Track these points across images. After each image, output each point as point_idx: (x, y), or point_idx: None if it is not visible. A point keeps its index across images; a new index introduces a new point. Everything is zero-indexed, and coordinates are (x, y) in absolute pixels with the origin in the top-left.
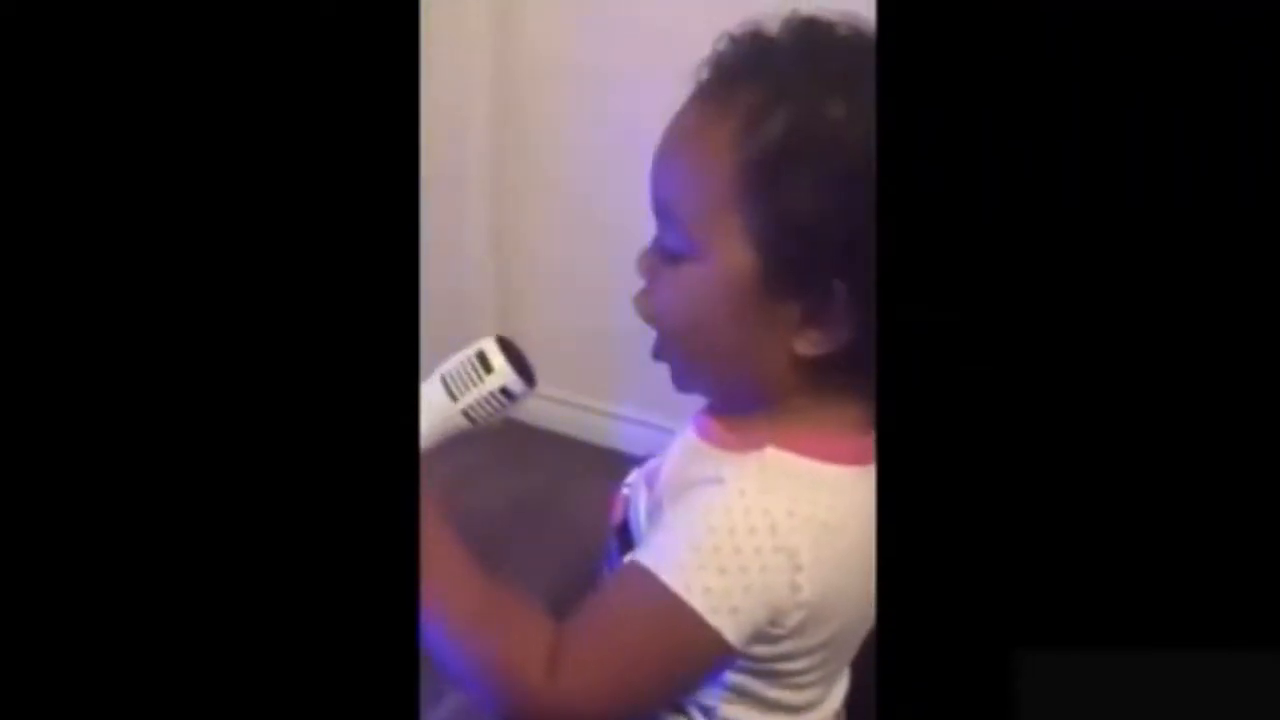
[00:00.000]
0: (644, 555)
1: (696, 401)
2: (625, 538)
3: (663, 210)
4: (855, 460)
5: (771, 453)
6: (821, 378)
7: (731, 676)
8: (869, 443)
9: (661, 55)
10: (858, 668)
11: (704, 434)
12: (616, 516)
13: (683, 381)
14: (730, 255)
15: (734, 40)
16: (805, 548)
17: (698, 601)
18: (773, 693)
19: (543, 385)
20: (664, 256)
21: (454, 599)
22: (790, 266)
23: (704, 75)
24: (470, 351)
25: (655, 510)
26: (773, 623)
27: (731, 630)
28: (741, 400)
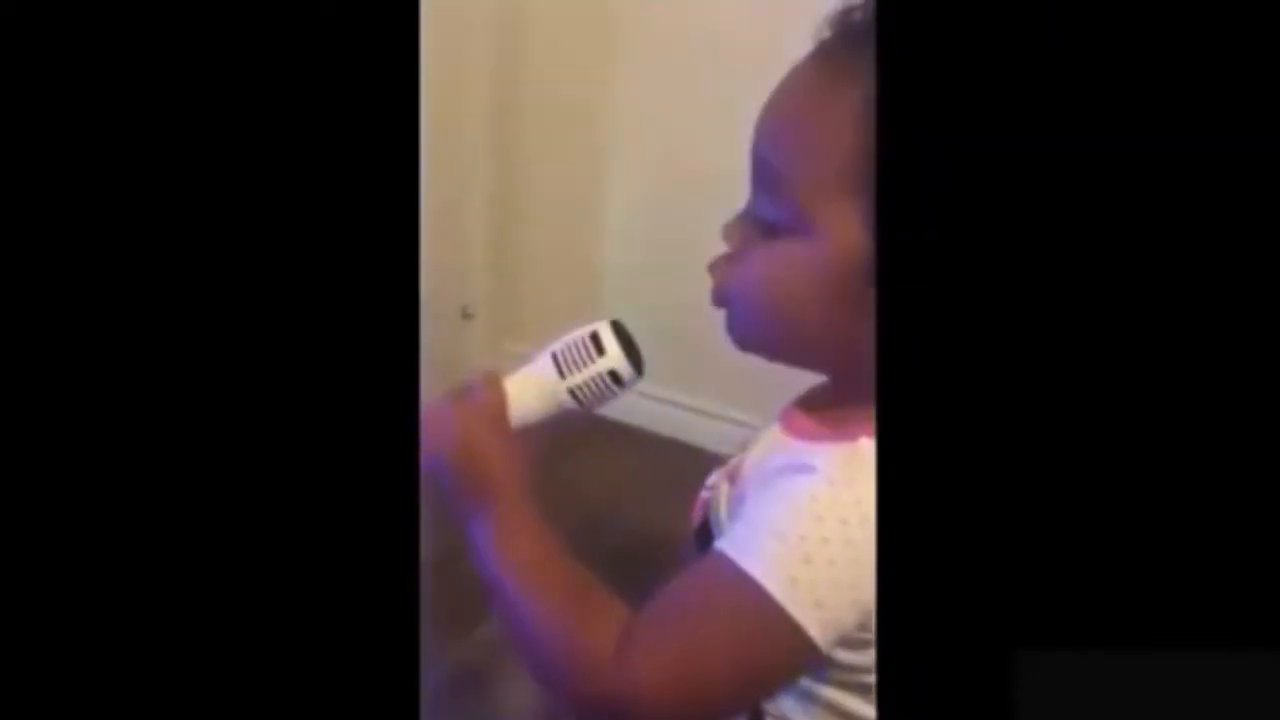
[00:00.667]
0: (725, 543)
1: (780, 399)
2: (705, 541)
3: (768, 177)
4: None
5: (866, 443)
6: None
7: (820, 689)
8: None
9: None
10: None
11: (792, 428)
12: (697, 519)
13: (746, 342)
14: (841, 235)
15: (856, 5)
16: None
17: (779, 591)
18: (867, 709)
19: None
20: (761, 227)
21: (532, 575)
22: None
23: (827, 33)
24: (584, 332)
25: (738, 503)
26: (862, 625)
27: (815, 625)
28: (841, 387)
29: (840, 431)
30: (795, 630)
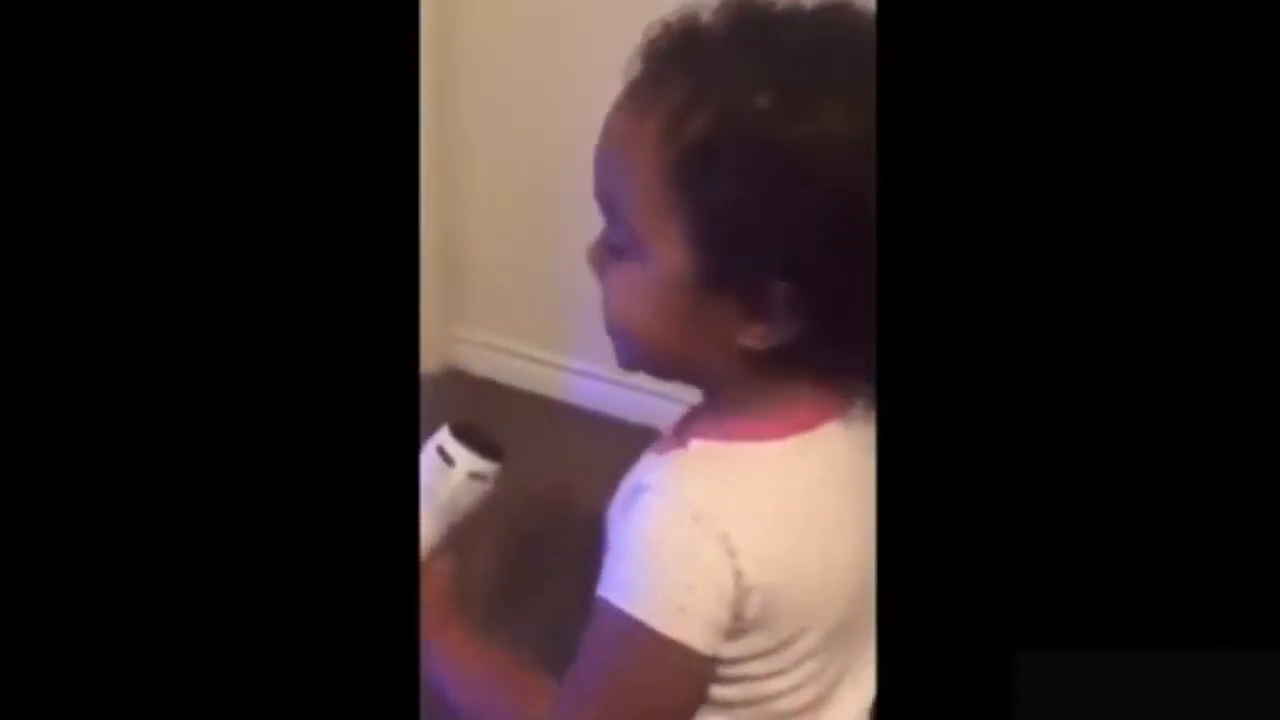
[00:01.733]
0: (601, 586)
1: None
2: None
3: (605, 205)
4: (793, 431)
5: (695, 445)
6: (769, 367)
7: (718, 689)
8: (812, 412)
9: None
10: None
11: (656, 446)
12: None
13: (626, 364)
14: (666, 253)
15: (666, 28)
16: (735, 529)
17: (644, 613)
18: (767, 697)
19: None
20: (611, 250)
21: (460, 675)
22: (726, 264)
23: (636, 68)
24: (430, 449)
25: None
26: (734, 616)
27: (689, 633)
28: (703, 395)
29: (679, 440)
30: (675, 645)
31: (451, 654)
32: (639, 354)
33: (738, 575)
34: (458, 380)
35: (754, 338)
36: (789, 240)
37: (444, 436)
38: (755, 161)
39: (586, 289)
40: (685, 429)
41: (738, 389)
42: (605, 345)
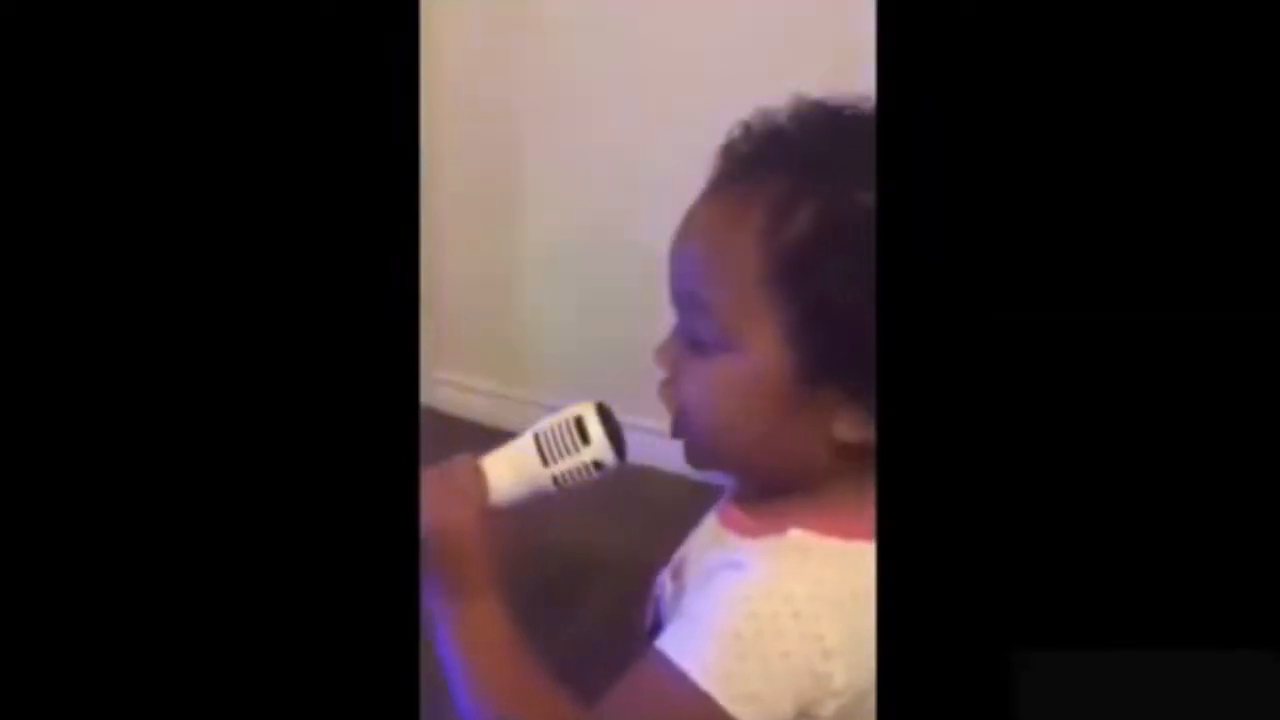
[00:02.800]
0: (665, 641)
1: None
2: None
3: (688, 301)
4: None
5: (795, 534)
6: (863, 460)
7: None
8: None
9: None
10: None
11: (728, 522)
12: (648, 619)
13: (702, 463)
14: (765, 347)
15: (746, 130)
16: (833, 631)
17: (715, 688)
18: None
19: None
20: (691, 346)
21: (488, 672)
22: (827, 356)
23: (719, 165)
24: (569, 416)
25: (677, 599)
26: (804, 713)
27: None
28: (775, 485)
29: (771, 525)
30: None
31: (477, 637)
32: (723, 450)
33: (823, 678)
34: (437, 420)
35: (849, 428)
36: None
37: (588, 412)
38: (858, 255)
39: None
40: (770, 515)
41: (832, 483)
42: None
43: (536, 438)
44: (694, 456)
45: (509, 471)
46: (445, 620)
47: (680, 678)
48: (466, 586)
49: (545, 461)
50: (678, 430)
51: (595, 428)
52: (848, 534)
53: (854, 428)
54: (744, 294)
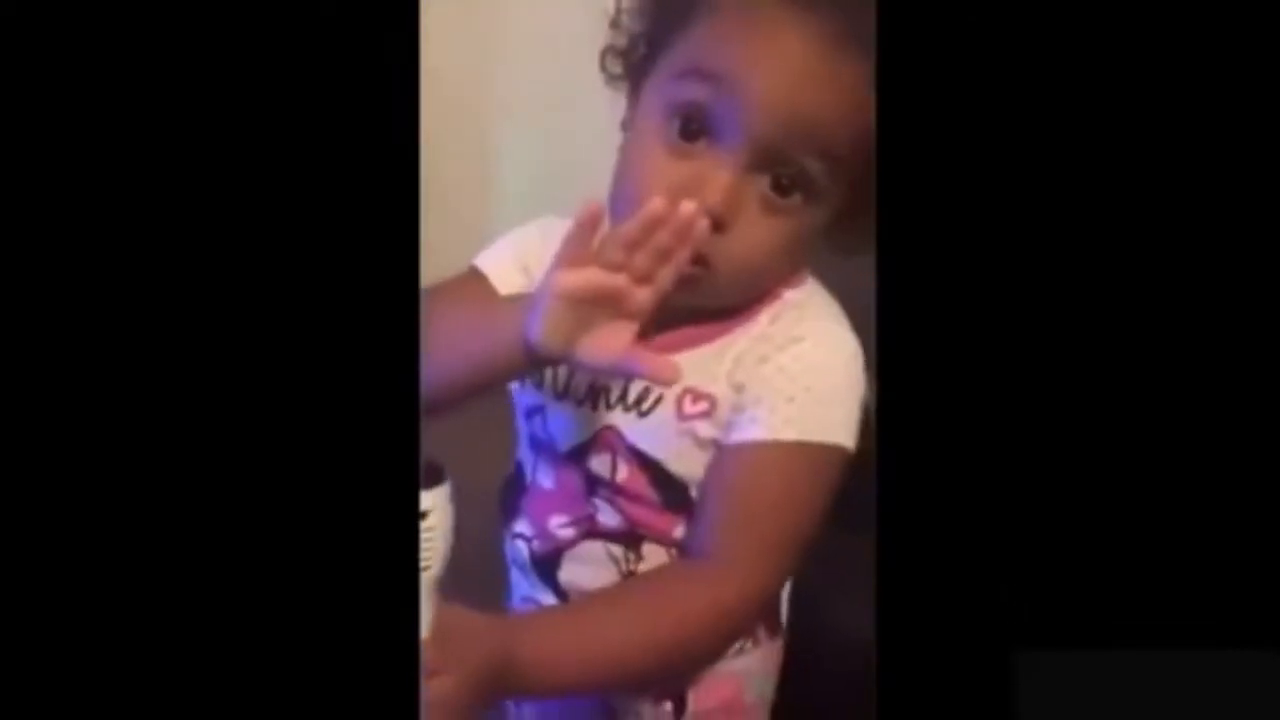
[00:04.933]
0: (768, 430)
1: None
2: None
3: (800, 138)
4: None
5: (790, 295)
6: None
7: None
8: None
9: None
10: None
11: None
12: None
13: (717, 297)
14: (840, 202)
15: None
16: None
17: (843, 436)
18: None
19: None
20: (761, 199)
21: (592, 649)
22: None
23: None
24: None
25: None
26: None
27: (852, 439)
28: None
29: (755, 311)
30: (849, 453)
31: (549, 655)
32: (754, 289)
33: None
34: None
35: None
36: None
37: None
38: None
39: None
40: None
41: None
42: None
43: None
44: (705, 298)
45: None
46: (523, 685)
47: (804, 450)
48: (507, 662)
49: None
50: (695, 283)
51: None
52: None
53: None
54: (859, 150)
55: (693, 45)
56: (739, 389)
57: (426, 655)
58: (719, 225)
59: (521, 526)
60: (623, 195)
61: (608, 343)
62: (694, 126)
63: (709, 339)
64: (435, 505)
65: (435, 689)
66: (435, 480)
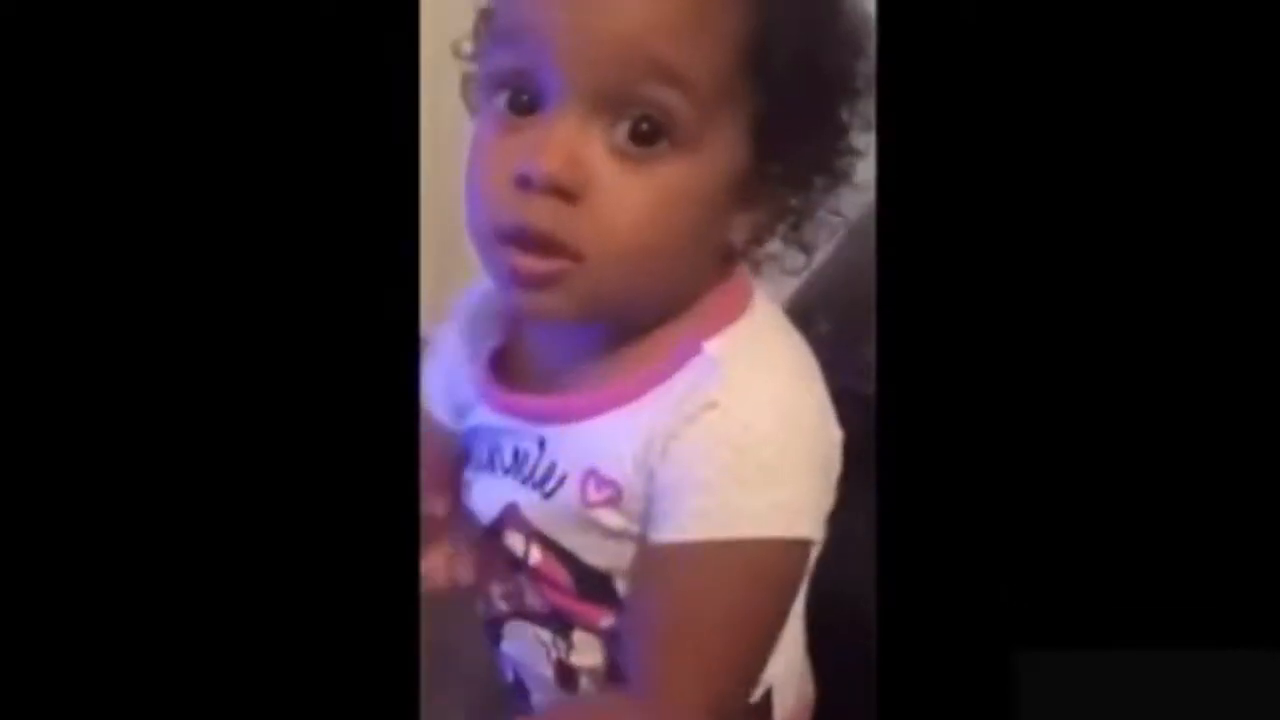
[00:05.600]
0: (688, 527)
1: None
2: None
3: (652, 75)
4: (742, 312)
5: (712, 346)
6: (734, 261)
7: None
8: (742, 294)
9: None
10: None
11: (630, 387)
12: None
13: (600, 306)
14: (730, 142)
15: None
16: (815, 393)
17: (805, 529)
18: None
19: None
20: (617, 151)
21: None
22: (782, 155)
23: None
24: None
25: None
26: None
27: (807, 527)
28: (663, 311)
29: (676, 362)
30: (803, 544)
31: None
32: (641, 281)
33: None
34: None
35: (745, 229)
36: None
37: None
38: (831, 27)
39: None
40: (657, 343)
41: (705, 289)
42: None
43: None
44: (591, 300)
45: None
46: None
47: (737, 546)
48: None
49: None
50: (561, 278)
51: None
52: (726, 322)
53: (748, 229)
54: (723, 72)
55: (500, 10)
56: (649, 476)
57: None
58: (567, 195)
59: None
60: (467, 188)
61: None
62: (521, 99)
63: (618, 402)
64: None
65: None
66: None
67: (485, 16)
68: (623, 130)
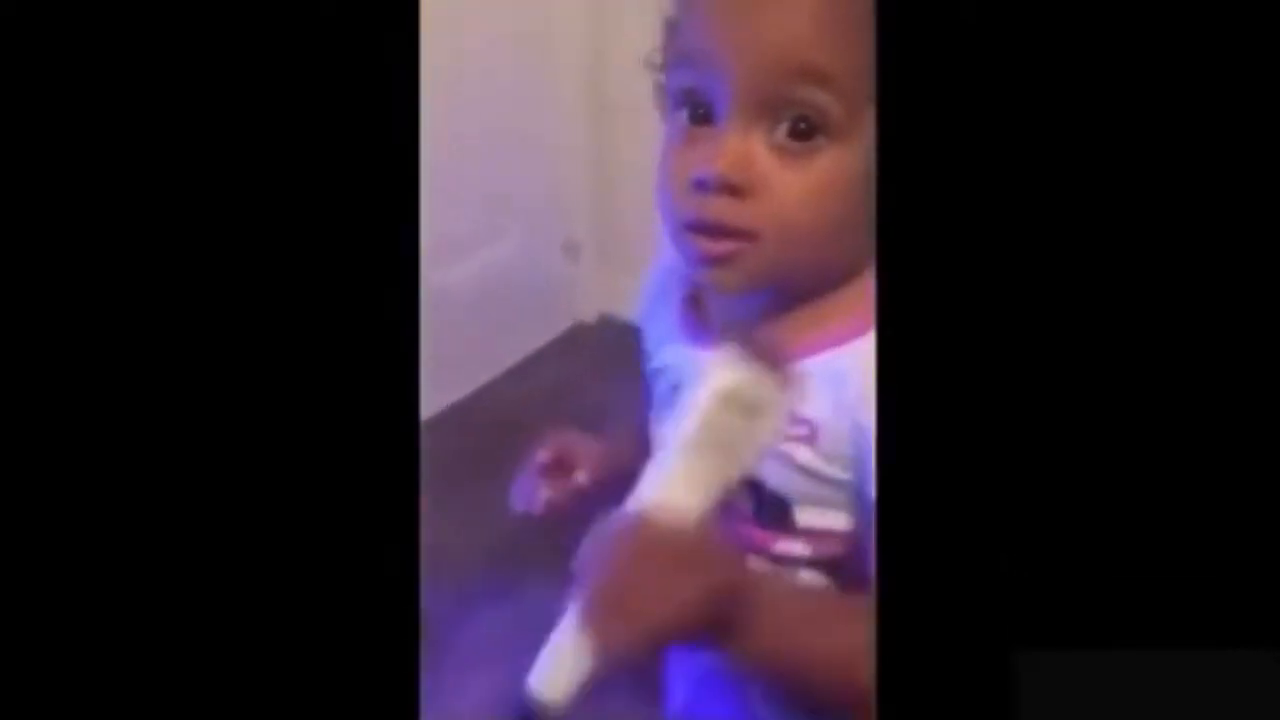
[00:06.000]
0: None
1: None
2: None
3: (800, 77)
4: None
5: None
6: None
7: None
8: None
9: None
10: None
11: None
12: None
13: (765, 282)
14: (869, 133)
15: None
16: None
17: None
18: None
19: None
20: (778, 148)
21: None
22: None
23: None
24: (704, 396)
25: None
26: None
27: None
28: (822, 288)
29: (839, 328)
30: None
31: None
32: (805, 262)
33: None
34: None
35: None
36: None
37: (718, 373)
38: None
39: None
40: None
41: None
42: None
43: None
44: (764, 272)
45: (683, 505)
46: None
47: None
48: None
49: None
50: (737, 256)
51: (747, 389)
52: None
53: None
54: (864, 68)
55: (678, 33)
56: (853, 423)
57: (687, 543)
58: (738, 191)
59: None
60: (657, 188)
61: None
62: (699, 112)
63: (816, 349)
64: (761, 401)
65: (685, 584)
66: (776, 377)
67: (671, 27)
68: (782, 130)
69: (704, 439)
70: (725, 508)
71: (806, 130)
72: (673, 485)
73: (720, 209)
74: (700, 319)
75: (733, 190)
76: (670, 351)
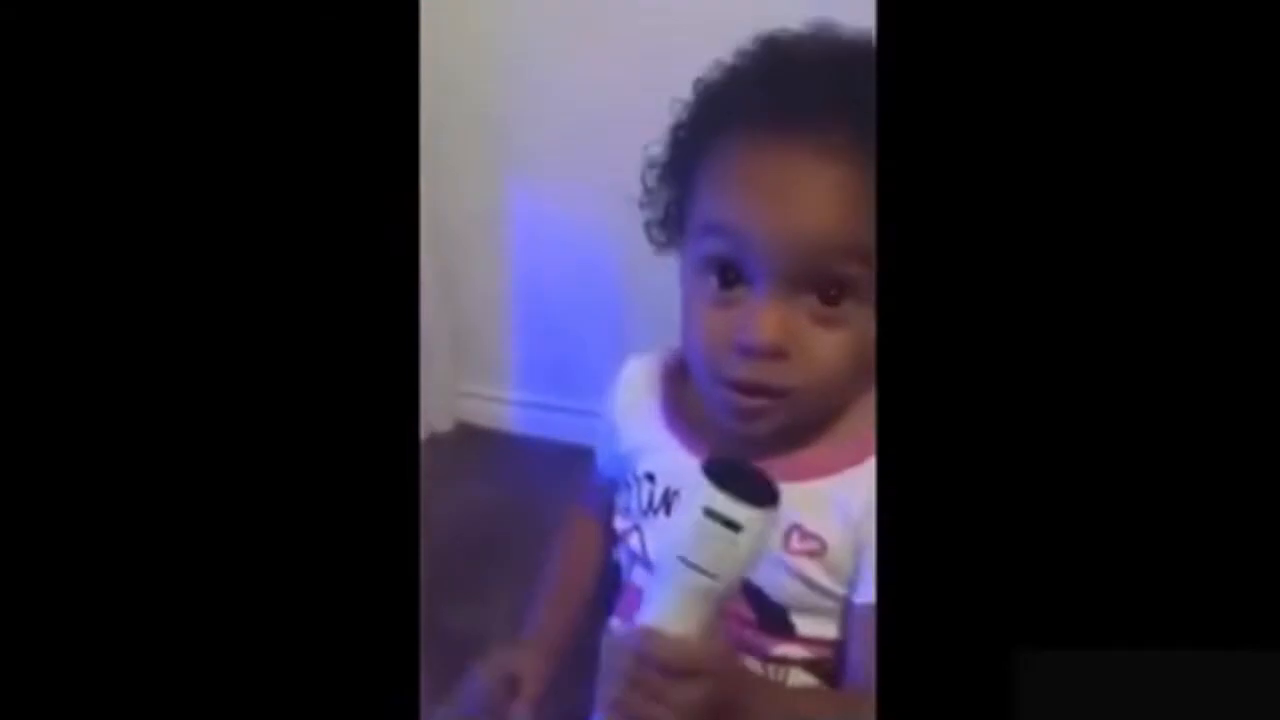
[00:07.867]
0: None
1: None
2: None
3: (839, 255)
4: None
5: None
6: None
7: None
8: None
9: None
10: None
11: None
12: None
13: (796, 438)
14: (869, 300)
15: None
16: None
17: None
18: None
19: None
20: (812, 315)
21: None
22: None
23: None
24: (696, 516)
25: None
26: None
27: None
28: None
29: (841, 454)
30: None
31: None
32: (829, 415)
33: None
34: (467, 435)
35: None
36: None
37: (715, 497)
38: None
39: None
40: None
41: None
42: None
43: (684, 560)
44: (789, 423)
45: (685, 619)
46: None
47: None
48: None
49: (714, 576)
50: (771, 410)
51: (737, 510)
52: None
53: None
54: (870, 241)
55: (705, 202)
56: (856, 539)
57: (689, 653)
58: (780, 354)
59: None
60: (687, 345)
61: None
62: (729, 276)
63: (828, 471)
64: (749, 524)
65: (688, 690)
66: (763, 501)
67: (653, 164)
68: (813, 298)
69: (699, 559)
70: (727, 613)
71: (837, 296)
72: (672, 611)
73: (763, 372)
74: (689, 423)
75: (777, 354)
76: (658, 457)
